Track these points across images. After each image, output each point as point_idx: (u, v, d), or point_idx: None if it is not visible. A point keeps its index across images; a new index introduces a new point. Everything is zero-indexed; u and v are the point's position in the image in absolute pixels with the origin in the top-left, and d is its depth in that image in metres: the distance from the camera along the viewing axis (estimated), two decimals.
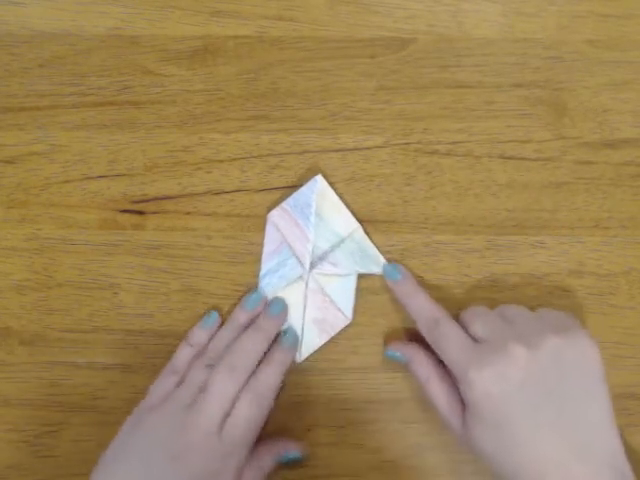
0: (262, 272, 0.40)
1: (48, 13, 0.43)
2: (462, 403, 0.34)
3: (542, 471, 0.31)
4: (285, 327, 0.39)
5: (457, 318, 0.37)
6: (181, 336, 0.39)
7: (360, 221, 0.40)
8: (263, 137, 0.42)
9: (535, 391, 0.32)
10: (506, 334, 0.33)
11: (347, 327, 0.40)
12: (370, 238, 0.40)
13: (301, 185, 0.40)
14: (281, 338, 0.38)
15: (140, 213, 0.41)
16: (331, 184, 0.41)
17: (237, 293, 0.40)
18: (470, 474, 0.39)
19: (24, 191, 0.41)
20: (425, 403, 0.39)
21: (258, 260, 0.40)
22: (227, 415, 0.34)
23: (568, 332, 0.33)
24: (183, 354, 0.38)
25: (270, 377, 0.36)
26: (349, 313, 0.39)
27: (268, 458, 0.36)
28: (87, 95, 0.42)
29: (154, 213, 0.41)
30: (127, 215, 0.41)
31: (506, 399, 0.32)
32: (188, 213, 0.41)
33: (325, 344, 0.39)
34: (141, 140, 0.42)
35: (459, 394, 0.34)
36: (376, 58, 0.42)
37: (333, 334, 0.39)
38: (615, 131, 0.42)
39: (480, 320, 0.35)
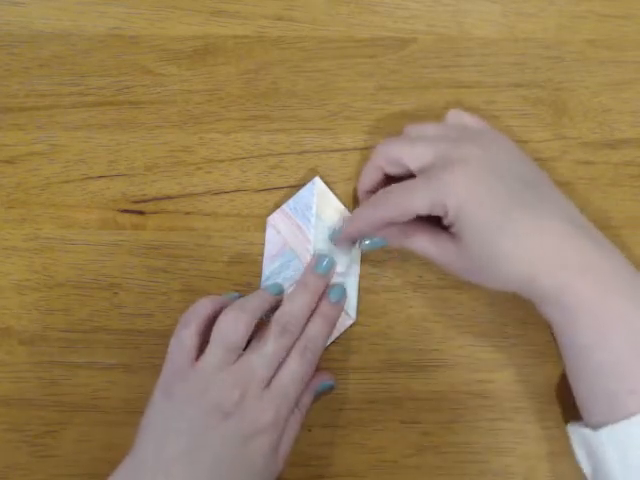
0: (264, 276, 0.40)
1: (48, 13, 0.43)
2: (449, 239, 0.34)
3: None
4: (331, 283, 0.39)
5: None
6: None
7: None
8: (263, 137, 0.42)
9: (493, 178, 0.33)
10: (449, 147, 0.34)
11: (348, 327, 0.40)
12: None
13: (301, 185, 0.40)
14: (328, 293, 0.38)
15: (140, 213, 0.41)
16: (331, 184, 0.41)
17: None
18: (471, 474, 0.39)
19: (24, 191, 0.41)
20: (425, 403, 0.39)
21: (258, 260, 0.40)
22: (276, 370, 0.35)
23: (490, 133, 0.37)
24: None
25: (319, 333, 0.37)
26: (353, 312, 0.39)
27: (303, 397, 0.37)
28: (87, 95, 0.42)
29: (154, 213, 0.41)
30: (127, 215, 0.41)
31: (479, 193, 0.33)
32: (188, 213, 0.41)
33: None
34: (141, 140, 0.42)
35: (443, 233, 0.35)
36: (376, 58, 0.42)
37: (338, 335, 0.39)
38: (615, 131, 0.42)
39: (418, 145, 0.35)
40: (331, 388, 0.39)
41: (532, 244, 0.32)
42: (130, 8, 0.43)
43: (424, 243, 0.36)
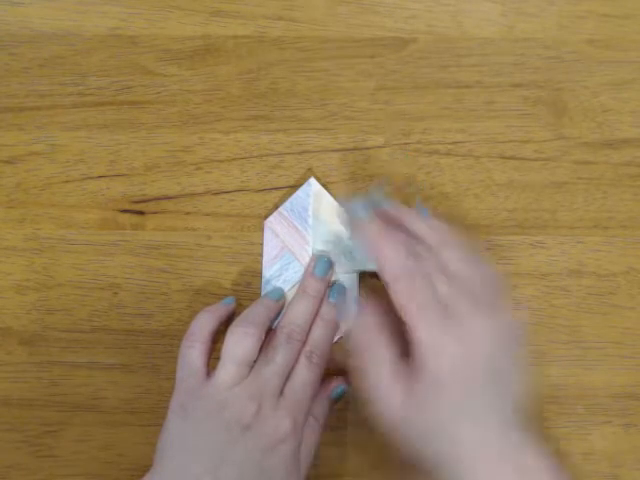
0: (264, 279, 0.40)
1: (48, 13, 0.43)
2: (409, 376, 0.32)
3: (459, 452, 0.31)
4: (332, 282, 0.39)
5: None
6: (181, 336, 0.37)
7: None
8: (263, 137, 0.42)
9: (483, 360, 0.32)
10: (468, 302, 0.32)
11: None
12: None
13: (300, 185, 0.41)
14: (328, 294, 0.38)
15: (140, 213, 0.41)
16: (331, 184, 0.41)
17: (237, 293, 0.40)
18: None
19: (24, 191, 0.41)
20: None
21: (258, 260, 0.40)
22: (287, 379, 0.35)
23: (502, 313, 0.33)
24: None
25: (323, 337, 0.37)
26: (355, 312, 0.39)
27: (318, 406, 0.37)
28: (87, 95, 0.42)
29: (154, 213, 0.41)
30: (127, 215, 0.41)
31: (464, 364, 0.32)
32: (188, 213, 0.41)
33: None
34: (141, 140, 0.42)
35: (407, 365, 0.33)
36: (376, 58, 0.42)
37: (341, 335, 0.39)
38: (615, 131, 0.42)
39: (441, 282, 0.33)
40: (344, 392, 0.39)
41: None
42: (130, 8, 0.43)
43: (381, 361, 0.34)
